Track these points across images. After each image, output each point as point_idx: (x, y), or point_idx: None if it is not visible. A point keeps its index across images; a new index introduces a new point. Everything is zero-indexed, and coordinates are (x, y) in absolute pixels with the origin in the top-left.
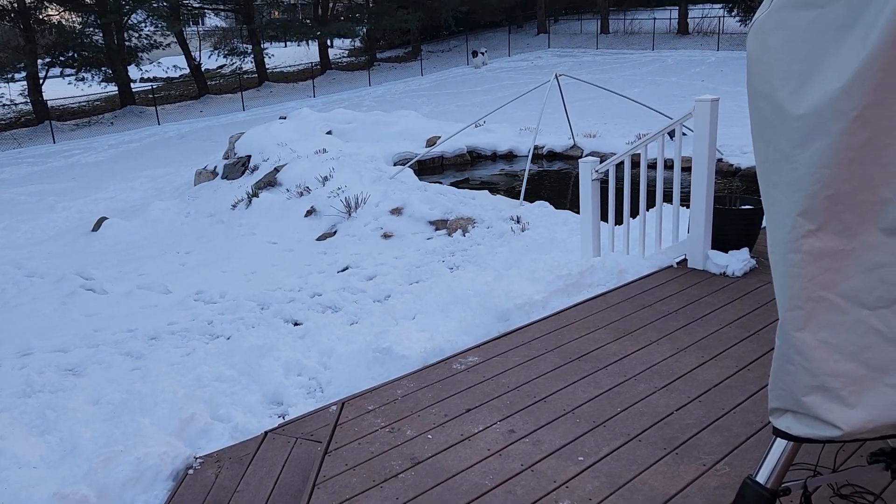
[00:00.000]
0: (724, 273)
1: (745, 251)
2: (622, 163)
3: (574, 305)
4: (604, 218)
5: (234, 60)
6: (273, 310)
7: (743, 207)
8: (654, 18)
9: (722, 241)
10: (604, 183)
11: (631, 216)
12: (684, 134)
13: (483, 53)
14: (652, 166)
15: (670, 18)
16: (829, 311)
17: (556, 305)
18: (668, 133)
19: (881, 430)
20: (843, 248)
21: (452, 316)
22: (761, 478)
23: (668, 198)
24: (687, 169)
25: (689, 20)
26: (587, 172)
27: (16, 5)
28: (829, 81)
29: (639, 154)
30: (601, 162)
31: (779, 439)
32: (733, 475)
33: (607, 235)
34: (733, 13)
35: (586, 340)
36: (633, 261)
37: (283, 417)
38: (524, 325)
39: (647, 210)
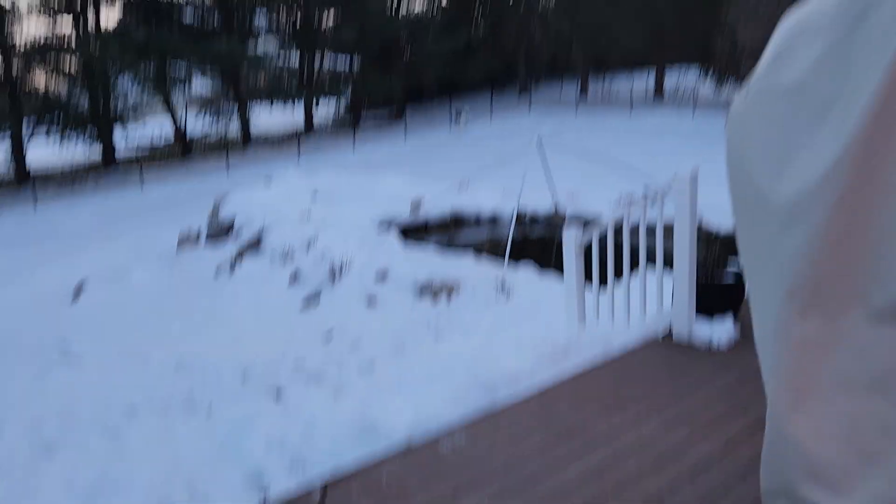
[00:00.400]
0: (710, 343)
1: (729, 320)
2: (606, 226)
3: (561, 379)
4: (589, 279)
5: (219, 123)
6: (255, 380)
7: (725, 283)
8: (632, 83)
9: (706, 310)
10: (588, 248)
11: (616, 277)
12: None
13: (466, 115)
14: (635, 230)
15: (647, 84)
16: (819, 398)
17: (543, 378)
18: (651, 198)
19: None
20: (830, 333)
21: (438, 388)
22: None
23: (651, 259)
24: (669, 229)
25: (665, 85)
26: (571, 241)
27: (1, 75)
28: (808, 169)
29: (622, 221)
30: (584, 228)
31: None
32: None
33: (592, 303)
34: (708, 77)
35: (574, 416)
36: (618, 330)
37: (265, 500)
38: (511, 401)
39: (632, 272)
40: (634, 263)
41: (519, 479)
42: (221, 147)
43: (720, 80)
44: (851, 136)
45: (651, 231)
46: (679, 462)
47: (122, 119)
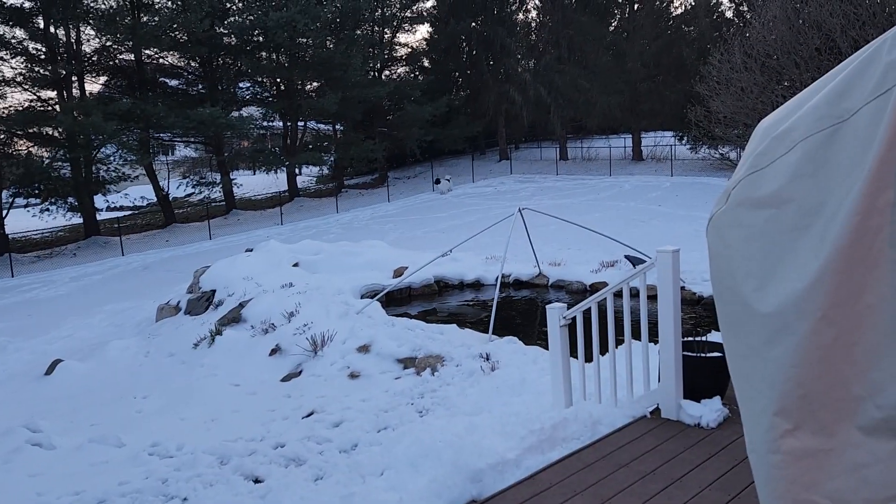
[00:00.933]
0: (699, 424)
1: (717, 400)
2: (591, 301)
3: (548, 466)
4: (574, 354)
5: (202, 190)
6: (233, 464)
7: (712, 355)
8: (610, 147)
9: (693, 388)
10: (573, 323)
11: (601, 354)
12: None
13: (448, 180)
14: (619, 294)
15: (625, 146)
16: None
17: (529, 465)
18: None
19: None
20: (823, 447)
21: (423, 473)
22: None
23: (637, 333)
24: (653, 296)
25: (642, 147)
26: (555, 319)
27: None
28: (790, 281)
29: (605, 296)
30: (566, 297)
31: None
32: None
33: (578, 378)
34: (683, 141)
35: None
36: (606, 410)
37: None
38: (498, 491)
39: (617, 347)
40: (619, 333)
41: None
42: (204, 213)
43: (695, 144)
44: (832, 250)
45: (634, 295)
46: None
47: (103, 187)
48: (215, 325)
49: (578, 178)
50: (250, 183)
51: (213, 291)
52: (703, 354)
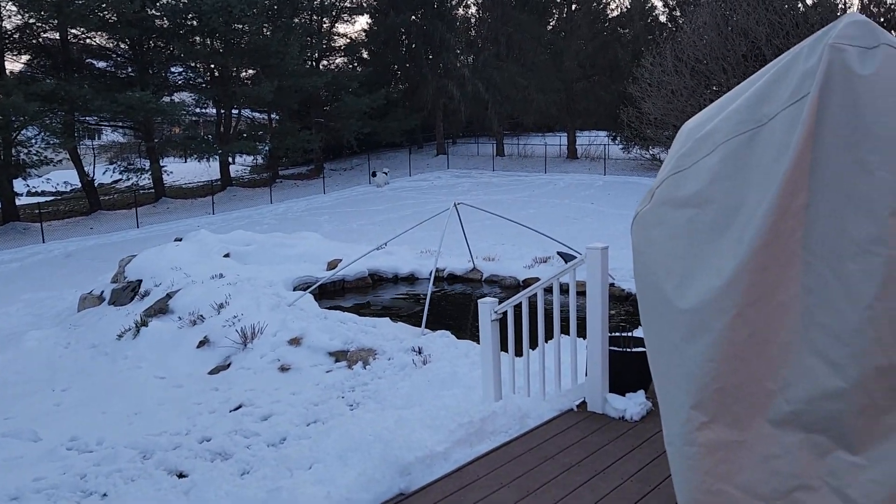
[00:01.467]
0: (623, 417)
1: (641, 394)
2: (521, 295)
3: (476, 458)
4: (505, 348)
5: (130, 176)
6: (156, 459)
7: (637, 350)
8: (546, 144)
9: (618, 382)
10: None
11: (531, 348)
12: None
13: (385, 173)
14: (549, 289)
15: (560, 144)
16: (726, 499)
17: (458, 458)
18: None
19: None
20: (736, 440)
21: (352, 466)
22: None
23: (567, 328)
24: (583, 292)
25: (577, 146)
26: (486, 314)
27: None
28: (709, 279)
29: (535, 292)
30: (499, 293)
31: None
32: None
33: (508, 372)
34: (616, 141)
35: (489, 501)
36: (534, 403)
37: None
38: (426, 483)
39: (547, 342)
40: (549, 328)
41: None
42: (131, 201)
43: (627, 144)
44: (749, 250)
45: (565, 291)
46: None
47: (24, 171)
48: (141, 316)
49: (514, 175)
50: (181, 171)
51: (140, 281)
52: (628, 349)
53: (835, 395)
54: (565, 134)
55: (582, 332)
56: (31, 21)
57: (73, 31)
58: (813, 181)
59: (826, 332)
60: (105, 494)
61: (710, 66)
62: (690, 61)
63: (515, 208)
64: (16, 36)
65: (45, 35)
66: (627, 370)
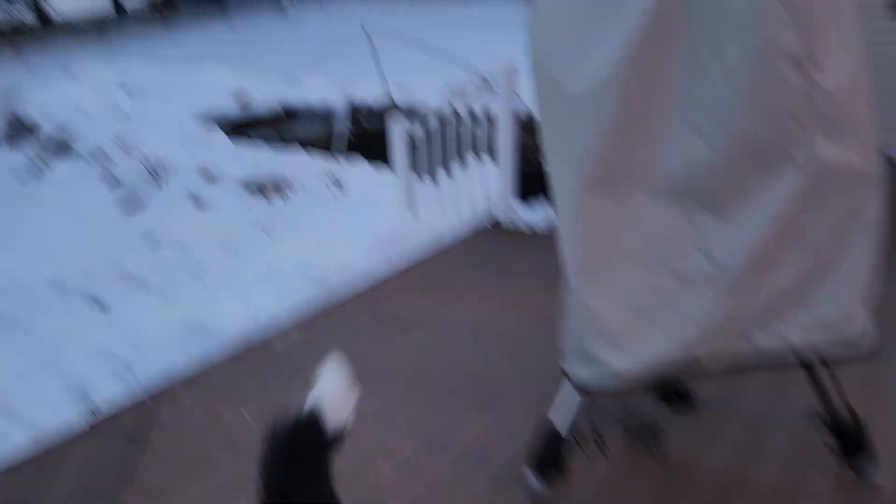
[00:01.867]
0: (532, 228)
1: (541, 198)
2: (433, 119)
3: (394, 272)
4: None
5: (9, 5)
6: (73, 291)
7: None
8: None
9: (527, 194)
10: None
11: (446, 172)
12: None
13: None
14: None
15: None
16: (606, 269)
17: (376, 273)
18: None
19: (657, 371)
20: (617, 212)
21: (272, 287)
22: (553, 415)
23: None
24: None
25: None
26: (397, 135)
27: None
28: (598, 60)
29: (447, 112)
30: (412, 119)
31: (568, 383)
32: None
33: (423, 193)
34: None
35: (405, 305)
36: (449, 222)
37: (93, 413)
38: (345, 296)
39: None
40: (464, 155)
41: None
42: (12, 34)
43: None
44: (636, 30)
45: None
46: (500, 341)
47: None
48: (42, 156)
49: (433, 4)
50: (68, 1)
51: (34, 120)
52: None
53: (704, 164)
54: None
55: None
56: None
57: None
58: None
59: (699, 106)
60: (22, 326)
61: None
62: None
63: (433, 29)
64: None
65: None
66: (537, 185)
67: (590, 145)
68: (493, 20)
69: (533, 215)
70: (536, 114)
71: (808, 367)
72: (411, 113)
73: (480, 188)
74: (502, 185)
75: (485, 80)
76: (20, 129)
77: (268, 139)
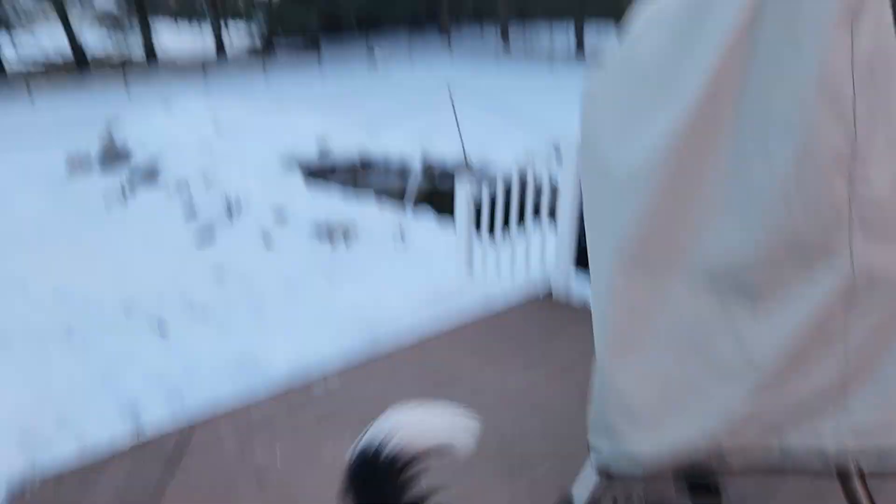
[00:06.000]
0: (585, 302)
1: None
2: (500, 183)
3: (441, 330)
4: (481, 232)
5: (120, 41)
6: (139, 313)
7: None
8: (553, 35)
9: (584, 267)
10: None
11: (505, 232)
12: None
13: (383, 50)
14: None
15: (568, 37)
16: (637, 347)
17: (423, 321)
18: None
19: (679, 458)
20: (653, 294)
21: (323, 332)
22: (575, 490)
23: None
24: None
25: (584, 41)
26: (463, 195)
27: None
28: (645, 142)
29: (513, 178)
30: (480, 182)
31: (592, 456)
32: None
33: (480, 254)
34: None
35: (448, 364)
36: (502, 284)
37: (138, 433)
38: (391, 349)
39: (521, 228)
40: (526, 218)
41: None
42: (121, 66)
43: None
44: (684, 117)
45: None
46: (537, 408)
47: (11, 27)
48: (129, 182)
49: (520, 67)
50: (175, 39)
51: (128, 148)
52: None
53: (742, 253)
54: (572, 20)
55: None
56: None
57: None
58: (750, 54)
59: (741, 196)
60: (89, 340)
61: None
62: None
63: (516, 97)
64: None
65: None
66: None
67: (630, 225)
68: (577, 85)
69: (587, 289)
70: (581, 184)
71: (841, 475)
72: (482, 173)
73: (538, 256)
74: (559, 255)
75: (556, 149)
76: (114, 155)
77: (343, 186)
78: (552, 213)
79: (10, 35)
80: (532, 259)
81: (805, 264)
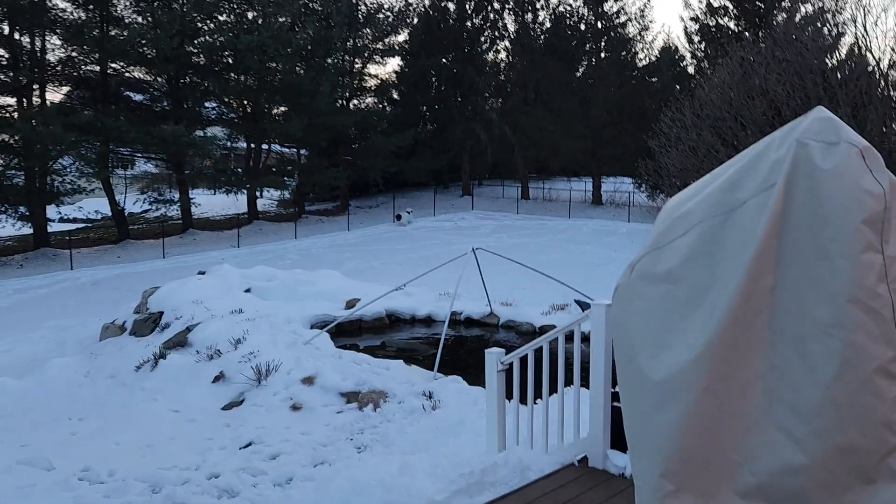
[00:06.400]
0: (623, 474)
1: None
2: (530, 346)
3: None
4: (511, 398)
5: (159, 207)
6: (165, 493)
7: None
8: (571, 189)
9: (621, 438)
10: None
11: (536, 400)
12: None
13: (409, 213)
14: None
15: (585, 189)
16: None
17: None
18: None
19: None
20: None
21: None
22: None
23: (572, 381)
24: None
25: (602, 192)
26: (492, 364)
27: None
28: (680, 353)
29: (542, 343)
30: (507, 353)
31: None
32: None
33: (513, 422)
34: (641, 188)
35: None
36: (536, 456)
37: None
38: None
39: (551, 395)
40: (556, 380)
41: None
42: (159, 231)
43: (652, 191)
44: (718, 327)
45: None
46: None
47: (57, 198)
48: (159, 348)
49: (538, 219)
50: (209, 203)
51: (161, 313)
52: None
53: (797, 470)
54: (590, 179)
55: (587, 384)
56: (74, 54)
57: (113, 65)
58: (779, 265)
59: (789, 409)
60: None
61: (728, 124)
62: (709, 119)
63: (538, 252)
64: (58, 68)
65: (85, 68)
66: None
67: (674, 439)
68: (595, 233)
69: (624, 458)
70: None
71: None
72: (514, 330)
73: (573, 422)
74: (594, 422)
75: (588, 305)
76: (148, 321)
77: (370, 344)
78: (584, 378)
79: (57, 204)
80: (566, 426)
81: (862, 476)
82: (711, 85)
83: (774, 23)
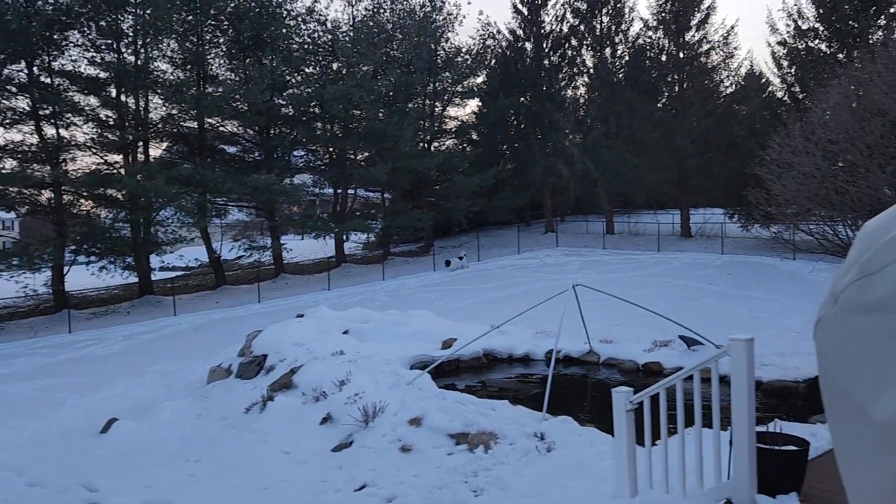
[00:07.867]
0: None
1: (793, 496)
2: (661, 385)
3: None
4: (640, 440)
5: (252, 253)
6: None
7: (787, 448)
8: (658, 222)
9: (767, 481)
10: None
11: (668, 436)
12: (702, 342)
13: (461, 259)
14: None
15: (673, 222)
16: None
17: None
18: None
19: None
20: None
21: None
22: None
23: (707, 420)
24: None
25: (691, 224)
26: (621, 404)
27: (52, 202)
28: None
29: (674, 381)
30: (633, 392)
31: None
32: None
33: (644, 465)
34: (734, 219)
35: None
36: (674, 500)
37: None
38: None
39: (686, 430)
40: (688, 421)
41: None
42: (253, 276)
43: (746, 221)
44: None
45: (704, 380)
46: None
47: (160, 247)
48: (267, 391)
49: (625, 253)
50: (299, 247)
51: (265, 356)
52: (778, 447)
53: None
54: (678, 211)
55: (724, 424)
56: (174, 112)
57: (209, 119)
58: None
59: None
60: None
61: (843, 147)
62: (822, 142)
63: (628, 288)
64: (160, 125)
65: (184, 124)
66: (777, 469)
67: None
68: (686, 267)
69: (772, 503)
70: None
71: None
72: (616, 368)
73: (710, 463)
74: (736, 465)
75: (695, 340)
76: (252, 364)
77: (470, 384)
78: (724, 416)
79: (159, 253)
80: (704, 470)
81: None
82: (823, 108)
83: (870, 41)
